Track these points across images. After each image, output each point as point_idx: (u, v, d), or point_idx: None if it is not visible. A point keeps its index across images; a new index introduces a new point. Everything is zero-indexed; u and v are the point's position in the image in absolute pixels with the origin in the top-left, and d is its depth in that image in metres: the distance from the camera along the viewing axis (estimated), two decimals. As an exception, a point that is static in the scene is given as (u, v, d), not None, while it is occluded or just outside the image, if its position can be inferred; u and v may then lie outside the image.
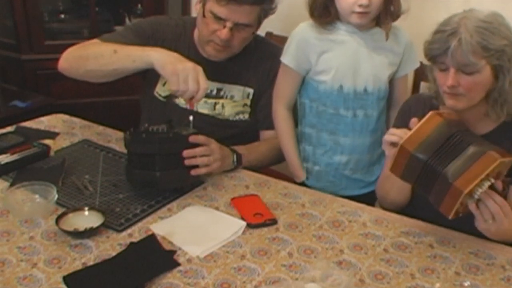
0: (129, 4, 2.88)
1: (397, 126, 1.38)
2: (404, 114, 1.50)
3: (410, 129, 1.29)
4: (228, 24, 1.61)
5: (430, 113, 1.27)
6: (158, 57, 1.53)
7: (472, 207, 1.21)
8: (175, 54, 1.54)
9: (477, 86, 1.30)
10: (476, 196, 1.19)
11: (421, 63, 1.72)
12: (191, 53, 1.73)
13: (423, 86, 1.88)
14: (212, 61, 1.74)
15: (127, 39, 1.70)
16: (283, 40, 2.11)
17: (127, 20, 2.79)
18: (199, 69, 1.50)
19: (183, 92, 1.48)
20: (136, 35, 1.74)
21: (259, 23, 1.69)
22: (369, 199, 1.63)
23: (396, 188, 1.48)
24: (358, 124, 1.68)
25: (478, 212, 1.22)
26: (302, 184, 1.77)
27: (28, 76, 2.64)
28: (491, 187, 1.19)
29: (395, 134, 1.30)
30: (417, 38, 1.70)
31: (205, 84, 1.49)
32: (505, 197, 1.23)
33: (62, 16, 2.78)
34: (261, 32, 2.01)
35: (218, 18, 1.62)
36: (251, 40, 1.77)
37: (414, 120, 1.30)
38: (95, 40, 1.72)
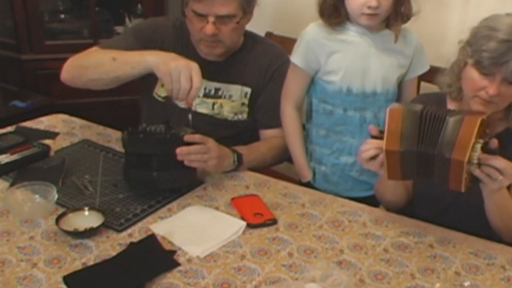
0: (129, 4, 2.88)
1: None
2: None
3: (374, 137, 1.30)
4: (210, 19, 1.62)
5: (388, 109, 1.26)
6: (154, 60, 1.51)
7: (477, 172, 1.20)
8: (172, 54, 1.53)
9: None
10: (475, 162, 1.19)
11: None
12: (190, 53, 1.73)
13: (424, 86, 1.88)
14: (210, 61, 1.74)
15: (127, 43, 1.70)
16: (283, 40, 2.12)
17: (127, 20, 2.79)
18: (193, 66, 1.48)
19: (177, 90, 1.47)
20: (136, 37, 1.74)
21: (243, 11, 1.67)
22: (374, 201, 1.63)
23: (391, 190, 1.49)
24: (366, 125, 1.66)
25: (484, 175, 1.21)
26: (308, 184, 1.77)
27: (28, 76, 2.64)
28: (483, 149, 1.20)
29: (369, 149, 1.30)
30: (417, 37, 1.71)
31: (198, 83, 1.47)
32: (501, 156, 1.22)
33: (62, 16, 2.79)
34: (261, 32, 2.02)
35: (199, 15, 1.63)
36: (249, 39, 1.77)
37: (371, 127, 1.31)
38: (95, 48, 1.72)
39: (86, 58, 1.69)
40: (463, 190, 1.22)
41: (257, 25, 2.04)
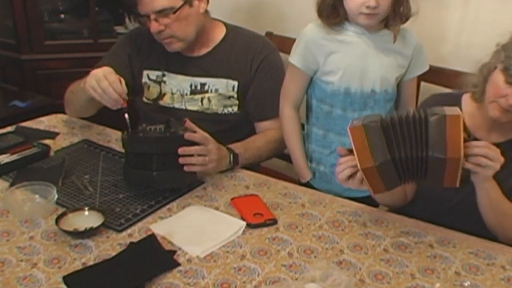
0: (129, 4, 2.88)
1: None
2: None
3: (342, 155, 1.30)
4: (152, 17, 1.63)
5: (349, 129, 1.25)
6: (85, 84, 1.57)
7: (467, 165, 1.21)
8: (94, 71, 1.56)
9: None
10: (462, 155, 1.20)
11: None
12: (170, 53, 1.75)
13: (424, 87, 1.88)
14: (191, 57, 1.77)
15: (113, 60, 1.79)
16: (283, 40, 2.12)
17: (127, 20, 2.79)
18: (101, 68, 1.54)
19: (105, 95, 1.51)
20: (116, 53, 1.83)
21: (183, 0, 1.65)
22: (374, 201, 1.62)
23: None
24: None
25: (474, 165, 1.21)
26: (307, 184, 1.77)
27: (28, 76, 2.64)
28: (466, 142, 1.21)
29: (344, 169, 1.28)
30: (417, 37, 1.71)
31: (112, 78, 1.52)
32: None
33: (62, 16, 2.78)
34: (261, 32, 2.01)
35: (144, 17, 1.65)
36: (230, 32, 1.79)
37: (339, 148, 1.32)
38: (73, 83, 1.79)
39: (66, 95, 1.83)
40: (458, 186, 1.22)
41: (257, 25, 2.04)
